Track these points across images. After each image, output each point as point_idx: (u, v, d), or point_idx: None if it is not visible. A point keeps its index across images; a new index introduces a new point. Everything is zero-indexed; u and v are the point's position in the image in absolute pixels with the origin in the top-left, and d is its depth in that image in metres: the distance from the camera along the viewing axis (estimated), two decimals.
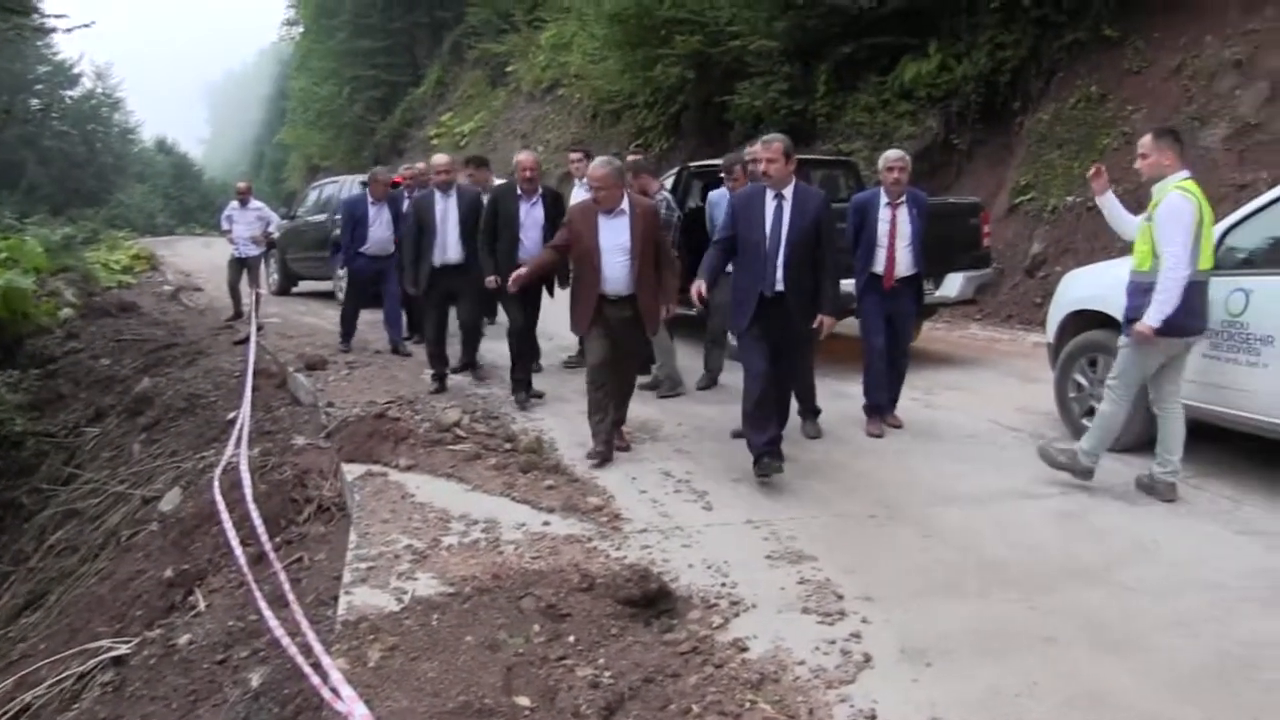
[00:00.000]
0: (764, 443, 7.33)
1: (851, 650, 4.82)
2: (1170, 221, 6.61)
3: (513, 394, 10.08)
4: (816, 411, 8.90)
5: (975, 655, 4.79)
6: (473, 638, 4.90)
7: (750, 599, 5.43)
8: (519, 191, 10.22)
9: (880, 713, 4.28)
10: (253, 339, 12.93)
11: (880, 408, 8.97)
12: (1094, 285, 8.41)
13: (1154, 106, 14.93)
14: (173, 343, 15.07)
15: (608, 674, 4.58)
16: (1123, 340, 7.00)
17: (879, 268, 8.83)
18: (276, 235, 18.85)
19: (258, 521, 6.97)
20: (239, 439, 8.95)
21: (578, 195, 10.99)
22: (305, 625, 5.14)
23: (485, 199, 10.84)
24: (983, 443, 8.53)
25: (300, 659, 4.78)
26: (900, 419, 9.08)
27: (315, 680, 4.48)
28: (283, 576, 6.03)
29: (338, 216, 15.16)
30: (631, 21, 22.72)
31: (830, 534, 6.44)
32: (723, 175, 10.36)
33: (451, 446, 8.26)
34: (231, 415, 10.25)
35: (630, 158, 11.12)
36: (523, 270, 8.60)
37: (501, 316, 11.71)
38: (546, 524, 6.57)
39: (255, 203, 17.61)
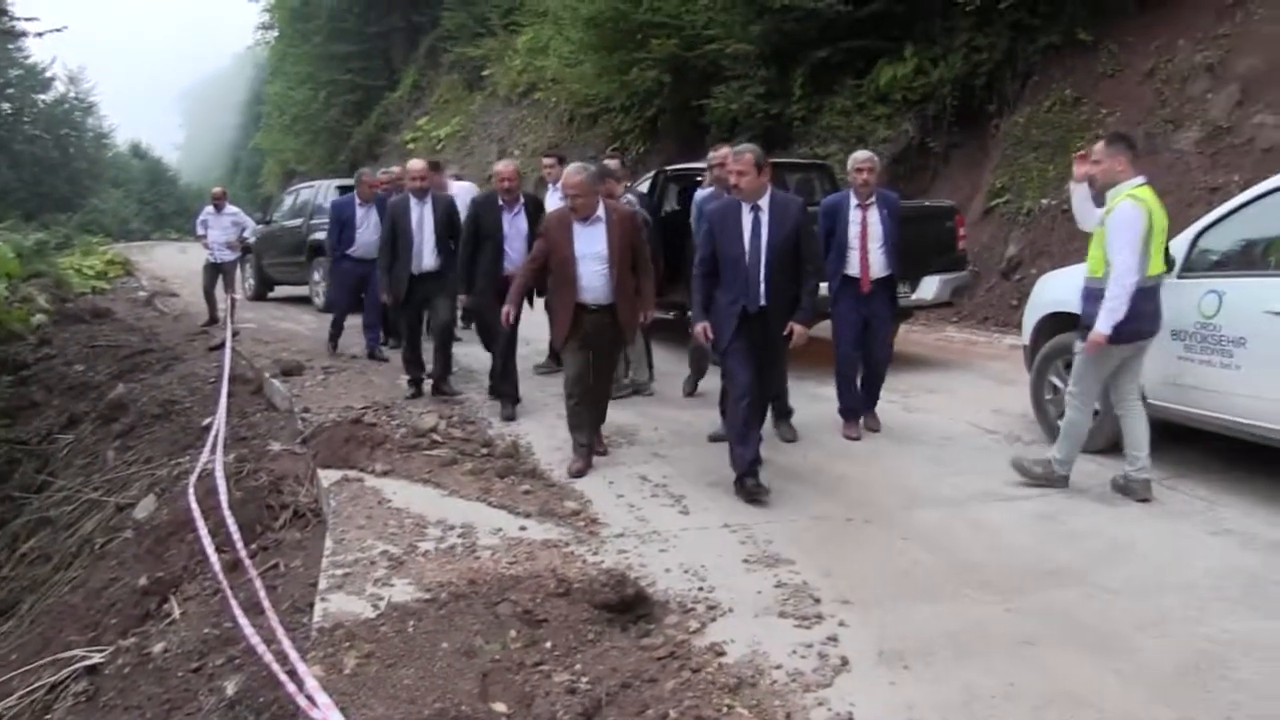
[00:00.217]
0: (749, 461, 7.24)
1: (829, 653, 4.82)
2: (1120, 230, 6.70)
3: (500, 406, 9.91)
4: (789, 413, 8.89)
5: (953, 657, 4.79)
6: (449, 644, 4.89)
7: (727, 603, 5.42)
8: (500, 202, 10.06)
9: (858, 716, 4.28)
10: (228, 344, 12.89)
11: (855, 411, 8.95)
12: (1069, 288, 8.40)
13: (1128, 109, 15.00)
14: (147, 348, 14.98)
15: (585, 679, 4.57)
16: (1078, 346, 7.08)
17: (853, 270, 8.80)
18: (252, 241, 18.79)
19: (233, 528, 6.94)
20: (214, 445, 8.92)
21: (552, 201, 10.92)
22: (281, 632, 5.12)
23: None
24: (960, 445, 8.55)
25: (276, 667, 4.76)
26: (879, 421, 9.06)
27: (291, 688, 4.47)
28: (258, 583, 6.01)
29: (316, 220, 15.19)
30: (608, 25, 22.70)
31: (807, 537, 6.44)
32: (700, 178, 10.25)
33: (428, 451, 8.25)
34: (207, 421, 10.21)
35: (607, 162, 11.07)
36: (510, 309, 8.40)
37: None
38: (523, 529, 6.57)
39: (231, 208, 17.54)
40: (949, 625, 5.15)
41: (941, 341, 14.18)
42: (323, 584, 5.71)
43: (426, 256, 10.59)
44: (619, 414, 8.97)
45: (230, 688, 5.22)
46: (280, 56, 56.35)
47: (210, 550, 6.74)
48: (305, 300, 19.23)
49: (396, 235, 10.58)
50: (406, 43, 47.47)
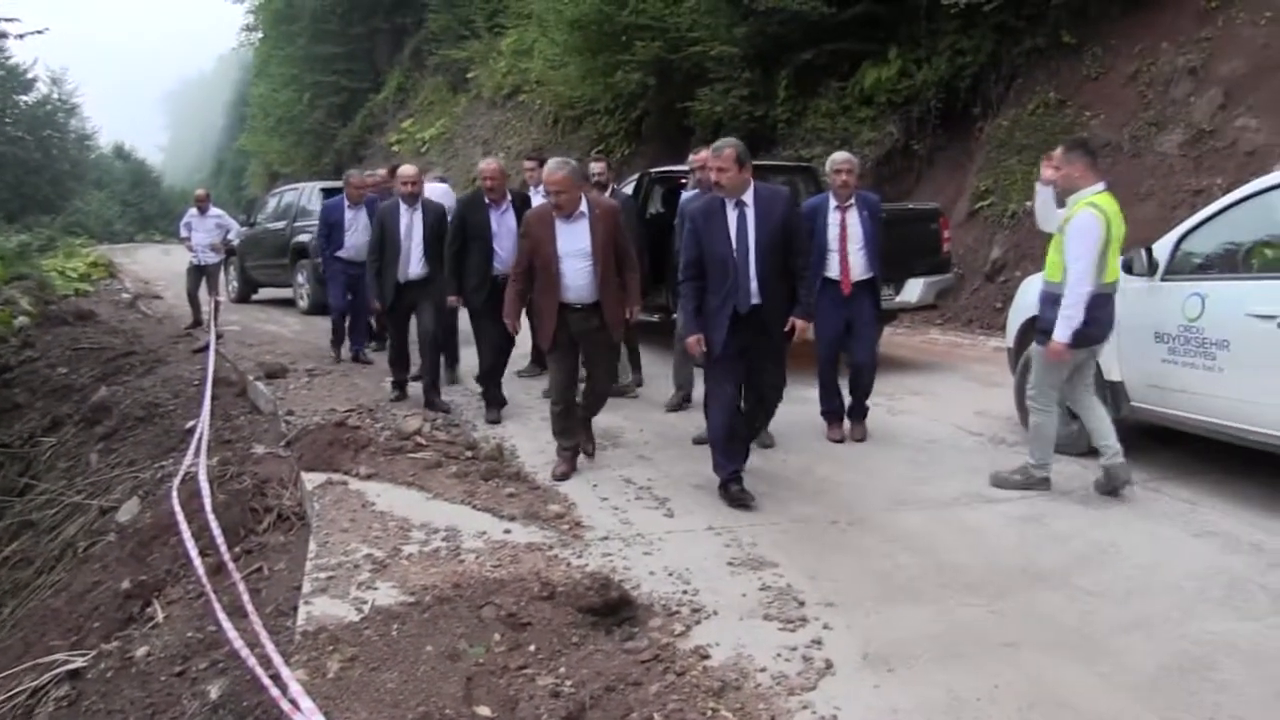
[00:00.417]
0: (733, 471, 7.24)
1: (813, 657, 4.82)
2: (1078, 238, 6.79)
3: (485, 409, 9.89)
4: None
5: (937, 660, 4.79)
6: (433, 647, 4.88)
7: (712, 606, 5.42)
8: (486, 201, 9.95)
9: (842, 718, 4.28)
10: (212, 347, 12.87)
11: (837, 413, 8.93)
12: None
13: (1111, 112, 15.06)
14: (131, 351, 14.92)
15: (569, 683, 4.57)
16: (1036, 349, 7.18)
17: (833, 273, 8.74)
18: (236, 243, 18.75)
19: (216, 531, 6.92)
20: (198, 448, 8.89)
21: (537, 202, 10.82)
22: (264, 636, 5.10)
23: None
24: (944, 447, 8.56)
25: (259, 670, 4.75)
26: (866, 431, 8.93)
27: (274, 692, 4.46)
28: (242, 587, 6.00)
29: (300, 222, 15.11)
30: (592, 28, 22.71)
31: (792, 540, 6.45)
32: (682, 181, 10.16)
33: (412, 454, 8.24)
34: (190, 424, 10.18)
35: (593, 165, 11.03)
36: (511, 319, 8.13)
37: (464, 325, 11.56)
38: (507, 532, 6.56)
39: (214, 210, 17.47)
40: (933, 628, 5.16)
41: (926, 344, 14.22)
42: (306, 587, 5.69)
43: (414, 264, 10.37)
44: (603, 416, 8.94)
45: (214, 692, 5.20)
46: (265, 58, 56.22)
47: (194, 554, 6.72)
48: (289, 303, 19.23)
49: (385, 241, 10.41)
50: (391, 44, 47.43)
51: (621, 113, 24.92)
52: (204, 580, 6.27)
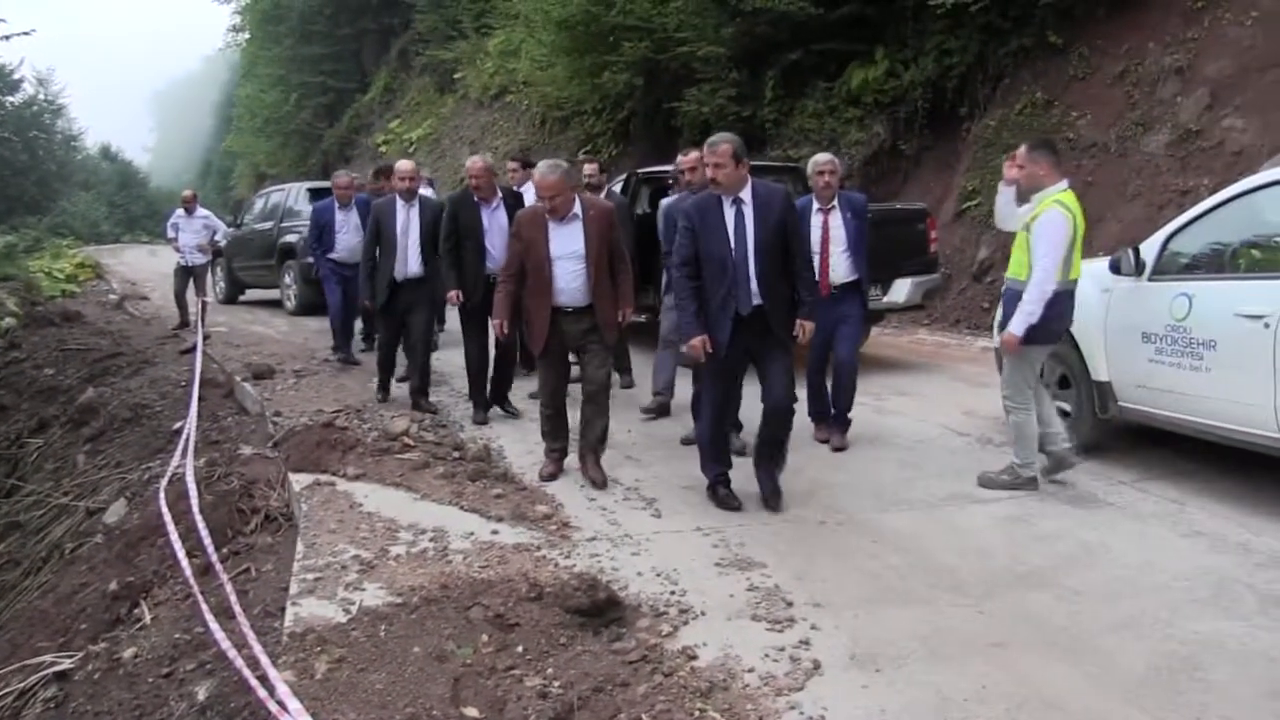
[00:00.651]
0: (720, 472, 7.22)
1: (801, 657, 4.83)
2: (1046, 235, 6.89)
3: (473, 410, 9.88)
4: (738, 426, 8.42)
5: (925, 661, 4.80)
6: (420, 648, 4.88)
7: (699, 607, 5.42)
8: (476, 199, 9.73)
9: (830, 719, 4.28)
10: (199, 348, 12.84)
11: (824, 414, 8.88)
12: None
13: (1098, 112, 15.10)
14: (118, 352, 14.88)
15: (556, 684, 4.56)
16: (997, 341, 7.23)
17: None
18: (223, 244, 18.70)
19: (204, 533, 6.90)
20: (185, 449, 8.87)
21: (528, 199, 10.71)
22: (252, 637, 5.09)
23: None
24: (932, 447, 8.56)
25: (247, 672, 4.74)
26: (846, 441, 8.73)
27: (262, 693, 4.45)
28: (229, 588, 5.98)
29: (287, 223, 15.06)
30: (579, 28, 22.69)
31: (779, 541, 6.45)
32: (671, 182, 10.09)
33: (400, 455, 8.22)
34: (178, 425, 10.16)
35: (586, 167, 10.96)
36: (501, 323, 8.06)
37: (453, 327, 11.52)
38: (495, 533, 6.55)
39: (201, 211, 17.46)
40: (921, 628, 5.16)
41: (913, 344, 14.24)
42: (294, 588, 5.68)
43: (411, 262, 10.20)
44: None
45: (201, 693, 5.19)
46: (251, 59, 56.19)
47: (181, 555, 6.70)
48: (276, 304, 19.20)
49: (380, 238, 10.27)
50: (378, 45, 47.42)
51: (609, 113, 24.90)
52: (191, 581, 6.25)
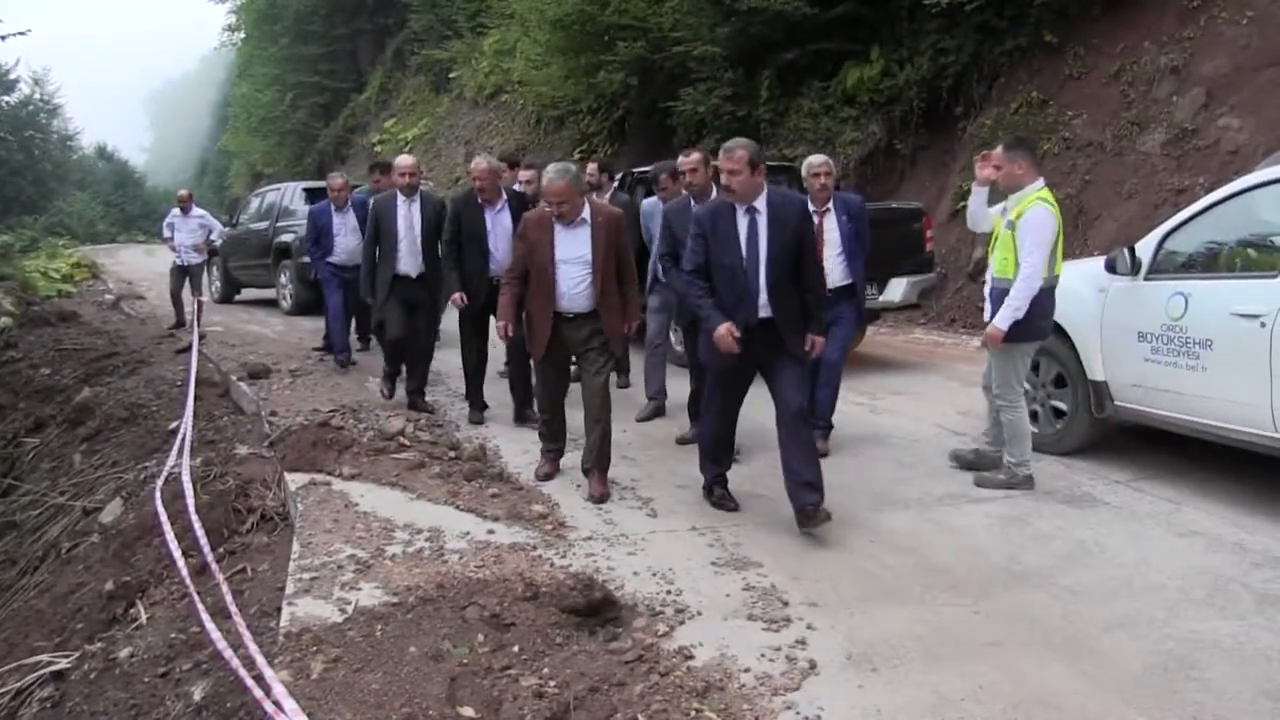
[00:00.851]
0: (717, 474, 7.19)
1: (797, 657, 4.83)
2: (1034, 233, 6.95)
3: (469, 409, 9.87)
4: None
5: (921, 661, 4.80)
6: (416, 648, 4.87)
7: (695, 606, 5.42)
8: (479, 201, 9.53)
9: (826, 719, 4.28)
10: (195, 347, 12.82)
11: (819, 415, 8.84)
12: None
13: (1094, 112, 15.11)
14: (114, 352, 14.87)
15: (552, 684, 4.56)
16: (992, 348, 7.31)
17: None
18: (219, 243, 18.68)
19: (200, 532, 6.89)
20: (181, 449, 8.86)
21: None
22: (248, 637, 5.09)
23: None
24: (927, 447, 8.56)
25: (243, 672, 4.74)
26: (829, 447, 8.45)
27: (258, 693, 4.44)
28: (225, 588, 5.97)
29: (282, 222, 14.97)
30: (574, 28, 22.65)
31: (775, 540, 6.45)
32: (654, 185, 9.96)
33: (396, 455, 8.22)
34: (174, 425, 10.15)
35: (589, 166, 10.90)
36: (505, 324, 7.80)
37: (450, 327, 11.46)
38: (491, 532, 6.55)
39: (197, 211, 17.40)
40: (917, 628, 5.16)
41: (909, 343, 14.25)
42: (290, 588, 5.67)
43: (413, 259, 10.10)
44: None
45: (197, 693, 5.18)
46: (247, 59, 56.09)
47: (177, 555, 6.69)
48: (272, 303, 19.19)
49: (380, 235, 10.11)
50: (373, 45, 47.42)
51: (604, 113, 24.88)
52: (187, 581, 6.25)
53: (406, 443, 8.53)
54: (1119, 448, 8.08)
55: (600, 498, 7.34)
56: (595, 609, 5.26)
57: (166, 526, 7.19)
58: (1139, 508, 6.94)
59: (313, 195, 15.65)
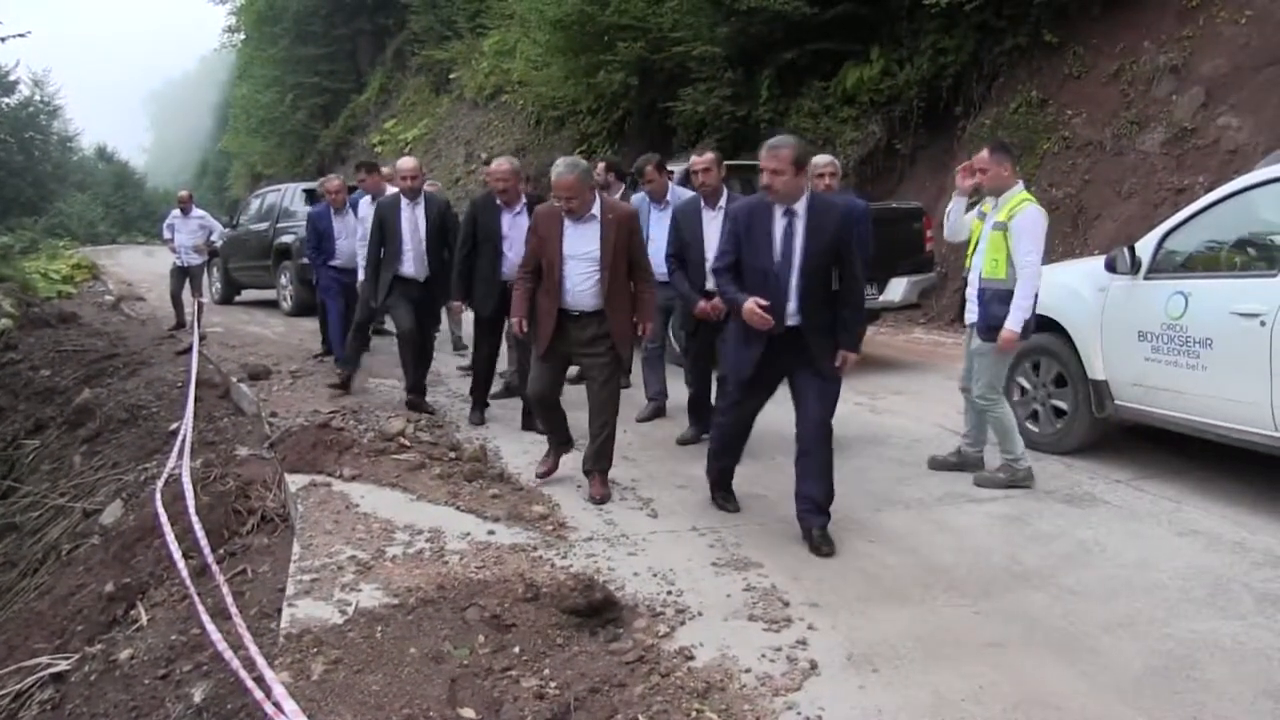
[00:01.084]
0: (722, 473, 7.15)
1: (798, 657, 4.82)
2: (1029, 233, 7.02)
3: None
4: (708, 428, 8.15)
5: (921, 660, 4.80)
6: (417, 649, 4.87)
7: (696, 607, 5.42)
8: (499, 203, 9.30)
9: (826, 719, 4.28)
10: (195, 349, 12.81)
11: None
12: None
13: (1093, 111, 15.11)
14: (114, 353, 14.88)
15: (553, 684, 4.56)
16: (981, 347, 7.35)
17: None
18: (219, 244, 18.67)
19: (200, 534, 6.89)
20: (181, 450, 8.86)
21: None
22: (248, 639, 5.09)
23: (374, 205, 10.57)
24: (927, 447, 8.54)
25: (243, 673, 4.74)
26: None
27: (258, 695, 4.44)
28: (225, 589, 5.97)
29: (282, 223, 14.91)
30: (574, 28, 22.62)
31: (776, 540, 6.44)
32: (638, 177, 9.86)
33: (396, 456, 8.21)
34: (174, 426, 10.15)
35: (601, 164, 10.87)
36: (519, 319, 7.56)
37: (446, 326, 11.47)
38: (491, 533, 6.55)
39: (197, 211, 17.37)
40: (917, 628, 5.16)
41: (909, 343, 14.26)
42: (290, 589, 5.67)
43: (417, 261, 10.02)
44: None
45: (197, 695, 5.18)
46: (247, 59, 56.04)
47: (177, 556, 6.69)
48: (272, 304, 19.18)
49: (384, 238, 10.02)
50: (373, 46, 47.43)
51: (604, 113, 24.83)
52: (188, 582, 6.24)
53: (407, 444, 8.53)
54: (1119, 447, 8.09)
55: (601, 498, 7.29)
56: (596, 610, 5.25)
57: (167, 528, 7.18)
58: (1139, 507, 6.94)
59: (313, 196, 15.60)
